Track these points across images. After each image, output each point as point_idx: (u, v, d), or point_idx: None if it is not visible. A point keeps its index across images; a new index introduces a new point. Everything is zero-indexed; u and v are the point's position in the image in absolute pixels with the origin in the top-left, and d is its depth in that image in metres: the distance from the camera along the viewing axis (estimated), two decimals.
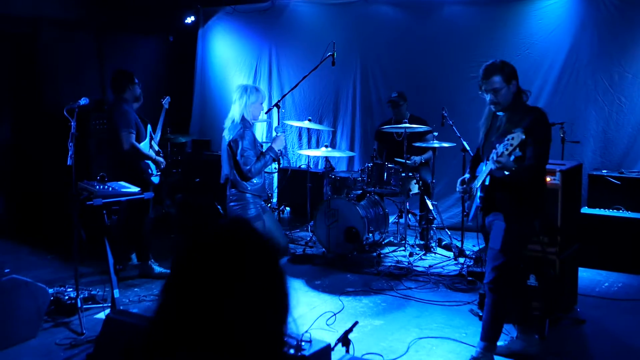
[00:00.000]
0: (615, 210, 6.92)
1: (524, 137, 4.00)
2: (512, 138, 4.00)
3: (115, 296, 5.00)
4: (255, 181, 5.45)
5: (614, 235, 6.65)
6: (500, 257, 4.31)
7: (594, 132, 7.91)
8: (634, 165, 7.55)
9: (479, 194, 4.49)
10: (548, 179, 5.14)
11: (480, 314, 5.40)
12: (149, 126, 6.72)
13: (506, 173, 4.18)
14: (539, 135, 4.20)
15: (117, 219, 5.45)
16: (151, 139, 6.72)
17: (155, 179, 6.63)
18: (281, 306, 1.46)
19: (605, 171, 7.34)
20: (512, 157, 4.06)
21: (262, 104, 5.57)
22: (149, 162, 6.53)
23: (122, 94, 6.50)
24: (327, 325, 5.26)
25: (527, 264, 5.21)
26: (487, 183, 4.41)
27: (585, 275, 6.36)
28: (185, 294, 1.41)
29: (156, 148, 6.80)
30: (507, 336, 4.81)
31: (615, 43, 7.75)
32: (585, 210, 6.93)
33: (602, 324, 5.29)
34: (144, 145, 6.51)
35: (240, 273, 1.40)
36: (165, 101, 7.24)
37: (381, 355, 4.65)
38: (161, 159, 6.68)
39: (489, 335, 4.44)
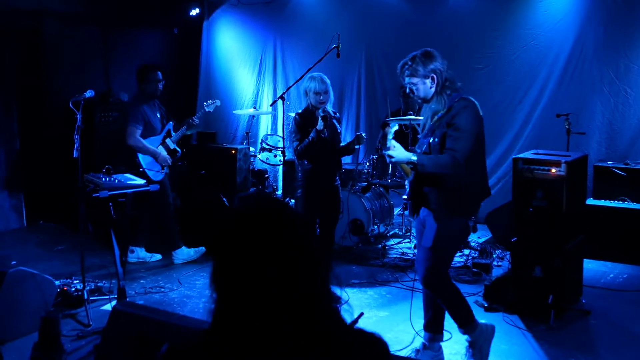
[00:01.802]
0: (620, 202, 6.91)
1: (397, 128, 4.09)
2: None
3: (122, 288, 5.02)
4: (305, 162, 5.64)
5: (619, 226, 6.64)
6: (431, 258, 4.17)
7: (600, 123, 7.89)
8: (639, 157, 7.53)
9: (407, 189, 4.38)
10: (553, 170, 5.14)
11: (486, 305, 5.43)
12: (169, 124, 6.75)
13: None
14: (459, 125, 4.06)
15: (124, 211, 5.50)
16: (167, 136, 6.73)
17: (158, 176, 6.61)
18: (325, 265, 1.54)
19: (610, 162, 7.33)
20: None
21: (314, 92, 5.56)
22: (152, 158, 6.55)
23: (139, 88, 6.66)
24: None
25: (534, 255, 5.24)
26: (411, 178, 4.29)
27: (591, 266, 6.36)
28: (236, 275, 1.45)
29: (171, 146, 6.80)
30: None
31: (621, 34, 7.72)
32: (590, 201, 6.92)
33: (607, 315, 5.30)
34: (152, 141, 6.53)
35: (282, 242, 1.46)
36: (211, 105, 7.20)
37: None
38: (166, 156, 6.67)
39: (461, 321, 4.32)
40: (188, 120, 6.84)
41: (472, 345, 4.34)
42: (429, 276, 4.22)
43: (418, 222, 4.46)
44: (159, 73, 6.71)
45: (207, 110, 7.12)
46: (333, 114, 5.68)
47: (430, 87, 4.19)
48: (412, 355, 4.53)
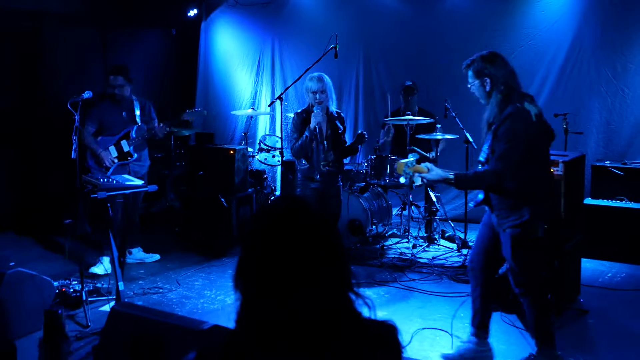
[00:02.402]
0: (618, 201, 6.92)
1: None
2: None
3: (120, 289, 5.02)
4: (302, 162, 5.62)
5: (617, 226, 6.65)
6: (513, 268, 4.21)
7: (597, 123, 7.90)
8: (637, 156, 7.54)
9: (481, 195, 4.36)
10: (551, 170, 5.14)
11: None
12: (133, 127, 6.62)
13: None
14: (501, 135, 4.03)
15: (123, 212, 5.48)
16: (124, 137, 6.59)
17: (103, 176, 6.44)
18: (346, 266, 1.60)
19: (608, 162, 7.34)
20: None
21: (311, 92, 5.58)
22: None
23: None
24: None
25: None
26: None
27: (589, 265, 6.37)
28: (263, 275, 1.49)
29: (125, 149, 6.59)
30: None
31: (618, 34, 7.74)
32: (588, 201, 6.94)
33: (605, 314, 5.30)
34: (105, 140, 6.55)
35: (309, 241, 1.51)
36: (196, 114, 7.19)
37: None
38: (104, 155, 6.50)
39: (538, 337, 4.32)
40: (154, 127, 6.72)
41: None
42: (523, 286, 4.26)
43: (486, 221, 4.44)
44: (119, 78, 6.56)
45: (186, 118, 6.93)
46: (335, 114, 5.66)
47: (485, 90, 4.18)
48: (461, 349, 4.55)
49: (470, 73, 4.24)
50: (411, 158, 4.30)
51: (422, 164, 4.22)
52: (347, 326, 1.54)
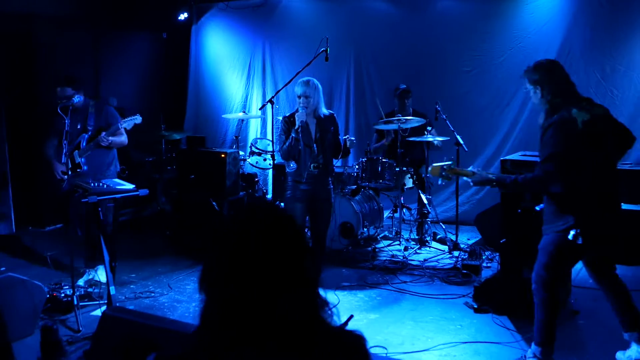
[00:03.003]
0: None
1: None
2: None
3: (112, 293, 5.01)
4: (291, 165, 5.60)
5: None
6: (540, 258, 4.27)
7: None
8: (626, 157, 7.55)
9: None
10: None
11: (476, 306, 5.45)
12: (83, 136, 6.15)
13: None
14: (545, 141, 4.08)
15: (113, 216, 5.46)
16: (76, 148, 6.19)
17: (64, 185, 6.16)
18: (314, 269, 1.58)
19: None
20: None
21: (297, 96, 5.58)
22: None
23: None
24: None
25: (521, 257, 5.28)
26: None
27: (580, 267, 6.37)
28: (226, 283, 1.48)
29: (77, 159, 6.19)
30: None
31: (607, 36, 7.78)
32: None
33: (595, 315, 5.33)
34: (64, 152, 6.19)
35: (273, 245, 1.50)
36: (129, 121, 6.27)
37: (385, 347, 4.68)
38: (57, 168, 6.21)
39: (540, 337, 4.32)
40: (97, 137, 6.17)
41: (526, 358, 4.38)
42: (535, 275, 4.30)
43: None
44: (67, 89, 6.03)
45: (124, 126, 6.16)
46: (324, 116, 5.65)
47: (538, 97, 4.23)
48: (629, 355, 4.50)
49: (525, 81, 4.30)
50: (447, 162, 4.41)
51: (468, 169, 4.36)
52: (315, 333, 1.52)
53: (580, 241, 4.05)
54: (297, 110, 5.55)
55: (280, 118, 5.92)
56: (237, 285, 1.46)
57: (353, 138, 5.91)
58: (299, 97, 5.53)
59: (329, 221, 5.82)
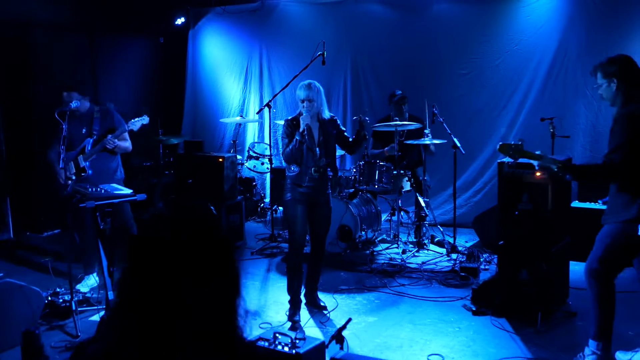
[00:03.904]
0: (605, 204, 6.94)
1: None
2: None
3: (110, 298, 5.01)
4: (292, 168, 5.51)
5: None
6: (599, 247, 4.30)
7: (584, 126, 7.96)
8: None
9: None
10: (538, 173, 5.19)
11: (474, 309, 5.46)
12: (88, 140, 6.19)
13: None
14: (614, 132, 4.14)
15: (111, 221, 5.44)
16: (81, 153, 6.19)
17: (65, 191, 6.00)
18: (228, 294, 1.49)
19: None
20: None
21: (300, 100, 5.49)
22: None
23: None
24: (322, 323, 5.31)
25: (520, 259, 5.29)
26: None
27: (577, 268, 6.36)
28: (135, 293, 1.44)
29: (81, 164, 6.16)
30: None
31: (603, 38, 7.80)
32: (575, 204, 6.97)
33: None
34: (69, 156, 6.06)
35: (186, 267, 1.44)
36: (136, 122, 6.34)
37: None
38: (57, 171, 6.10)
39: (597, 332, 4.35)
40: (103, 140, 6.20)
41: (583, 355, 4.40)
42: (589, 265, 4.34)
43: None
44: (73, 94, 6.11)
45: (131, 128, 6.24)
46: (328, 119, 5.59)
47: (612, 90, 4.28)
48: None
49: (599, 74, 4.34)
50: (518, 142, 4.40)
51: (537, 152, 4.34)
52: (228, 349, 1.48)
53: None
54: (300, 114, 5.48)
55: (281, 122, 5.91)
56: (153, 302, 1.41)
57: (367, 118, 5.90)
58: (302, 100, 5.46)
59: (329, 226, 5.76)
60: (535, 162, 4.33)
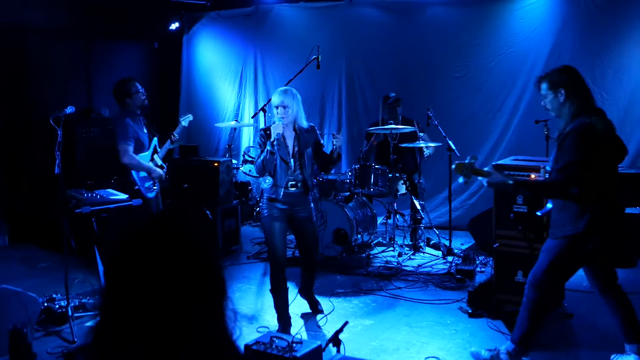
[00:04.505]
0: None
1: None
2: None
3: None
4: (267, 180, 5.22)
5: None
6: (543, 260, 4.28)
7: None
8: None
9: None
10: (533, 176, 5.21)
11: (470, 311, 5.47)
12: (154, 139, 6.44)
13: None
14: (565, 147, 4.08)
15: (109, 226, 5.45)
16: (155, 152, 6.42)
17: (151, 193, 6.32)
18: (214, 299, 1.46)
19: None
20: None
21: (274, 106, 5.19)
22: (146, 175, 6.26)
23: (123, 104, 6.25)
24: (318, 326, 5.31)
25: (515, 260, 5.31)
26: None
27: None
28: (119, 295, 1.42)
29: (159, 162, 6.45)
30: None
31: (596, 40, 7.84)
32: None
33: (589, 318, 5.35)
34: (142, 157, 6.29)
35: (167, 270, 1.40)
36: (185, 119, 7.00)
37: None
38: (160, 172, 6.37)
39: (519, 336, 4.37)
40: (170, 135, 6.67)
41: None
42: (531, 277, 4.32)
43: None
44: (139, 84, 6.39)
45: (183, 125, 6.90)
46: (305, 129, 5.24)
47: (559, 102, 4.22)
48: None
49: (544, 85, 4.29)
50: (471, 160, 4.36)
51: (485, 169, 4.32)
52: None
53: (589, 250, 4.08)
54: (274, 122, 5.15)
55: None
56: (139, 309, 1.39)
57: (340, 136, 5.50)
58: (277, 107, 5.12)
59: (316, 240, 5.50)
60: (484, 180, 4.27)
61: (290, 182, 5.10)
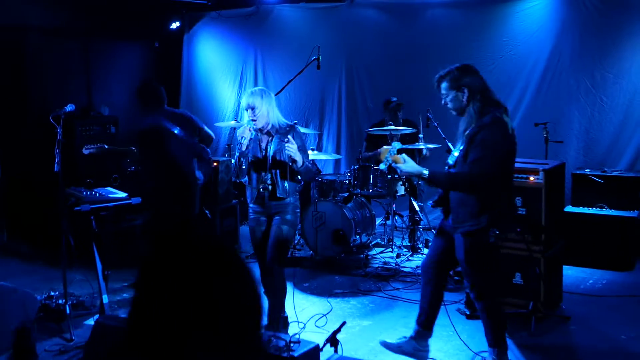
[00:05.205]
0: (598, 209, 7.00)
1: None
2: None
3: (104, 302, 5.01)
4: (246, 185, 5.08)
5: (597, 233, 6.73)
6: (467, 270, 4.34)
7: (577, 131, 8.00)
8: (616, 164, 7.64)
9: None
10: (531, 178, 5.23)
11: (468, 313, 5.48)
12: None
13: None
14: (478, 142, 4.11)
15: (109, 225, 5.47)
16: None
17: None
18: (249, 322, 1.42)
19: (588, 170, 7.43)
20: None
21: (245, 109, 4.95)
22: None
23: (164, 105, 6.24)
24: (316, 326, 5.31)
25: (512, 262, 5.32)
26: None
27: (570, 273, 6.43)
28: (151, 309, 1.37)
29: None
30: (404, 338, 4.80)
31: (596, 44, 7.85)
32: (569, 208, 7.01)
33: (586, 321, 5.36)
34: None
35: (202, 289, 1.35)
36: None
37: None
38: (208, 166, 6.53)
39: (493, 340, 4.41)
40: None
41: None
42: (472, 286, 4.37)
43: (442, 226, 4.58)
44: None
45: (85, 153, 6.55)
46: (282, 127, 4.98)
47: (463, 100, 4.25)
48: (401, 341, 4.70)
49: (445, 85, 4.31)
50: (395, 146, 4.37)
51: (400, 155, 4.32)
52: None
53: (492, 240, 4.18)
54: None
55: None
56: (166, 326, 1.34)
57: (292, 145, 4.82)
58: (246, 109, 4.87)
59: (277, 248, 4.97)
60: (398, 168, 4.31)
61: (262, 186, 4.93)
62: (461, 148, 4.23)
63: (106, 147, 6.57)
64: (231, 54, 10.31)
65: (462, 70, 4.27)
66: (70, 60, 8.95)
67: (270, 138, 4.98)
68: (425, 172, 4.22)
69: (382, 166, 4.34)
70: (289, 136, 4.88)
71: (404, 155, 4.34)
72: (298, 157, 4.82)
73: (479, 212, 4.14)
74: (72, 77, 8.87)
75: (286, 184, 4.93)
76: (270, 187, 4.91)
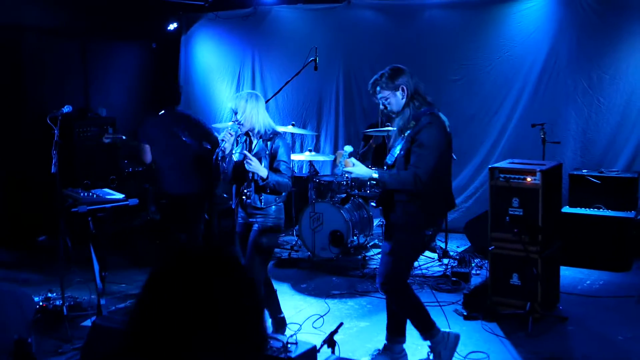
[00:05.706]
0: (595, 209, 7.01)
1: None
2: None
3: (102, 303, 5.00)
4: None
5: (594, 233, 6.74)
6: (389, 265, 4.38)
7: (574, 132, 8.00)
8: (613, 165, 7.65)
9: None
10: (529, 179, 5.23)
11: (465, 314, 5.49)
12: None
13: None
14: (420, 141, 4.17)
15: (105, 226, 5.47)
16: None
17: None
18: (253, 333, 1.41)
19: (585, 171, 7.43)
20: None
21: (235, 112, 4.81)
22: None
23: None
24: (314, 327, 5.31)
25: (510, 263, 5.33)
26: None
27: (567, 273, 6.44)
28: (153, 315, 1.37)
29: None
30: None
31: (593, 45, 7.85)
32: (566, 209, 7.02)
33: (584, 321, 5.37)
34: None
35: (208, 300, 1.35)
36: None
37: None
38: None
39: (392, 330, 4.57)
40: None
41: (432, 350, 4.51)
42: (388, 283, 4.40)
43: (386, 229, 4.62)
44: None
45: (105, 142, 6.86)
46: (267, 134, 4.81)
47: (402, 99, 4.29)
48: (373, 355, 4.68)
49: (382, 87, 4.32)
50: (347, 150, 4.41)
51: (349, 159, 4.35)
52: None
53: (426, 240, 4.36)
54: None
55: None
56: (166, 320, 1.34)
57: (252, 160, 4.61)
58: (235, 113, 4.76)
59: (262, 258, 4.78)
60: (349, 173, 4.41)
61: (242, 192, 4.78)
62: (400, 147, 4.26)
63: (124, 137, 6.63)
64: (228, 55, 10.31)
65: (395, 71, 4.31)
66: (68, 61, 8.94)
67: (249, 142, 4.87)
68: (375, 174, 4.27)
69: (337, 170, 4.40)
70: (245, 151, 4.69)
71: (352, 159, 4.37)
72: (262, 173, 4.60)
73: (419, 212, 4.23)
74: (69, 77, 8.86)
75: (262, 196, 4.73)
76: (250, 194, 4.74)
